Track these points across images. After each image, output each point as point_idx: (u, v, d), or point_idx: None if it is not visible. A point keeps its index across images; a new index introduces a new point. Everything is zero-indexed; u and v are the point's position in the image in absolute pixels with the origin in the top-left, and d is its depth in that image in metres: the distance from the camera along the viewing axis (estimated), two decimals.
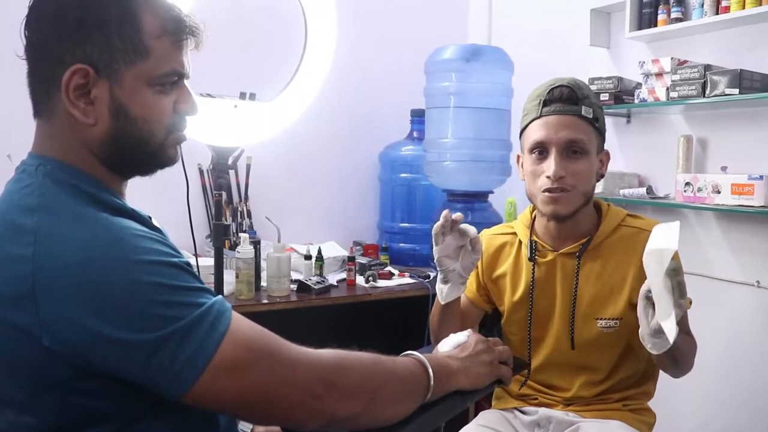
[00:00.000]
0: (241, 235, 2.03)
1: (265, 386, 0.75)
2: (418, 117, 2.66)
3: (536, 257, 1.38)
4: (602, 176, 1.36)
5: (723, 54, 1.99)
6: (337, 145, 2.76)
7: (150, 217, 0.93)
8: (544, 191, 1.28)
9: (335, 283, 2.23)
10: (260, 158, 2.49)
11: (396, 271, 2.41)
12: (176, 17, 0.83)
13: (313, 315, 2.18)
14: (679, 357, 1.20)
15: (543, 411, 1.38)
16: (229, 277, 1.98)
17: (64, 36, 0.78)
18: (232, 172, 2.49)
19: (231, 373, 0.73)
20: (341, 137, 2.76)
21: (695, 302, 1.34)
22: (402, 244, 2.67)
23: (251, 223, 2.50)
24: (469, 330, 1.08)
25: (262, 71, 1.99)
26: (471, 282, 1.48)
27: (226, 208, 2.44)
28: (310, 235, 2.62)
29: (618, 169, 2.31)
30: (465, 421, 1.45)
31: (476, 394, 1.03)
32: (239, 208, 2.49)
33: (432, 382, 0.92)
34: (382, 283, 2.28)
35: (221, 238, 1.68)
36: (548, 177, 1.27)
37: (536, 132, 1.29)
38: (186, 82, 0.88)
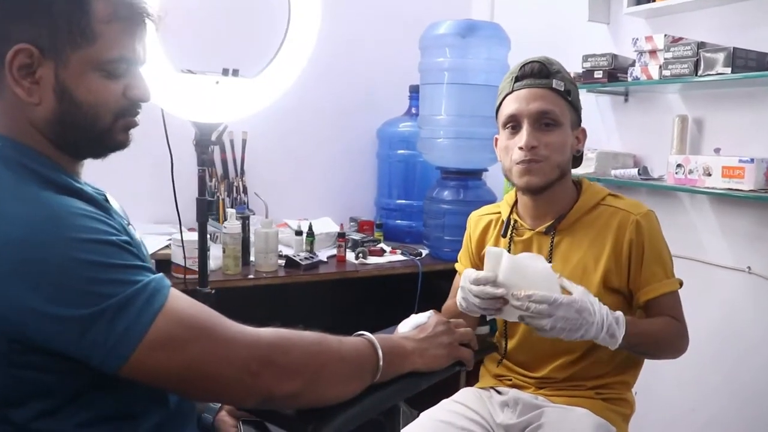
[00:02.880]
0: (228, 210, 2.05)
1: (200, 363, 0.77)
2: (416, 93, 2.63)
3: (514, 235, 1.39)
4: (579, 152, 1.36)
5: (724, 30, 1.92)
6: (336, 121, 2.75)
7: (104, 195, 0.94)
8: (517, 164, 1.29)
9: (325, 259, 2.24)
10: (257, 133, 2.49)
11: (388, 248, 2.42)
12: (129, 2, 0.83)
13: (303, 291, 2.20)
14: (643, 349, 1.22)
15: (513, 392, 1.38)
16: (216, 252, 2.00)
17: (13, 14, 0.79)
18: (229, 148, 2.50)
19: (165, 349, 0.75)
20: (340, 114, 2.75)
21: (686, 286, 1.32)
22: (399, 221, 2.68)
23: (247, 198, 2.52)
24: (431, 311, 1.09)
25: (247, 46, 1.96)
26: (465, 264, 1.51)
27: (221, 183, 2.46)
28: (307, 210, 2.62)
29: (613, 149, 2.27)
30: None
31: (433, 376, 1.03)
32: (235, 183, 2.51)
33: (381, 363, 0.92)
34: (372, 259, 2.29)
35: (205, 213, 1.69)
36: (521, 148, 1.27)
37: (509, 106, 1.31)
38: (140, 67, 0.88)
